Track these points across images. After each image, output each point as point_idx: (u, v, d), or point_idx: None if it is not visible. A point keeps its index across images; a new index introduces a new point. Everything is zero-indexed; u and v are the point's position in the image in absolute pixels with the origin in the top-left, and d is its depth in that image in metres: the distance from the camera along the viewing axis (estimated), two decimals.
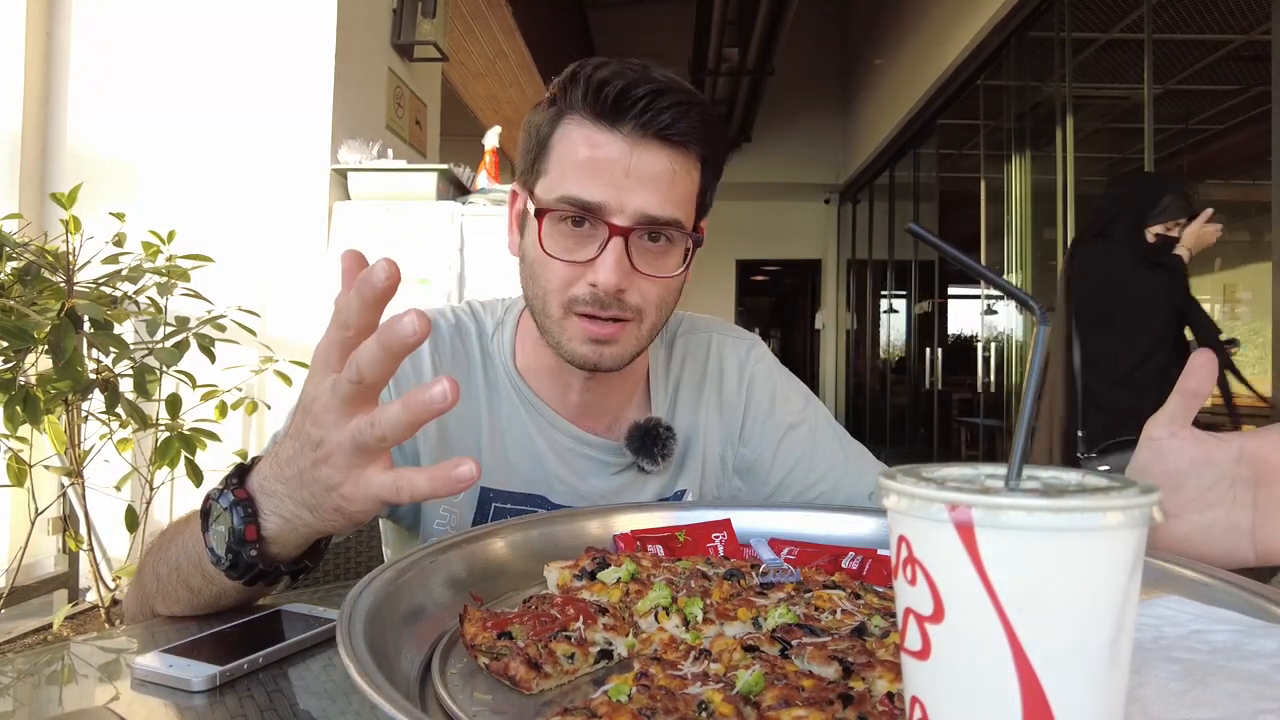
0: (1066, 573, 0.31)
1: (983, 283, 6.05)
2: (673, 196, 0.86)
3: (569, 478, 0.97)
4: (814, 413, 1.09)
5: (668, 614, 0.59)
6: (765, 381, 1.08)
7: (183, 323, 2.35)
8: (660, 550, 0.76)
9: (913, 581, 0.33)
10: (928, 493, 0.32)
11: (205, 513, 0.64)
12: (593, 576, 0.65)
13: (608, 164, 0.83)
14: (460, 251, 2.99)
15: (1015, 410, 5.22)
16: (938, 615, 0.33)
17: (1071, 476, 0.36)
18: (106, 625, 2.39)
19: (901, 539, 0.34)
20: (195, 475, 2.25)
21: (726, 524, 0.80)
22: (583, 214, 0.84)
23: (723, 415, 1.06)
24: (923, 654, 0.33)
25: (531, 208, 0.89)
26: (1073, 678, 0.31)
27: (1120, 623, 0.31)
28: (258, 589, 0.66)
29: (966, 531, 0.31)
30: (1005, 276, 5.43)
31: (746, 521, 0.81)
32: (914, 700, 0.35)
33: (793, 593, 0.63)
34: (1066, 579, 0.31)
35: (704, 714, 0.44)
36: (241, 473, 0.64)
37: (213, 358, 2.36)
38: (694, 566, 0.68)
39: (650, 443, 0.97)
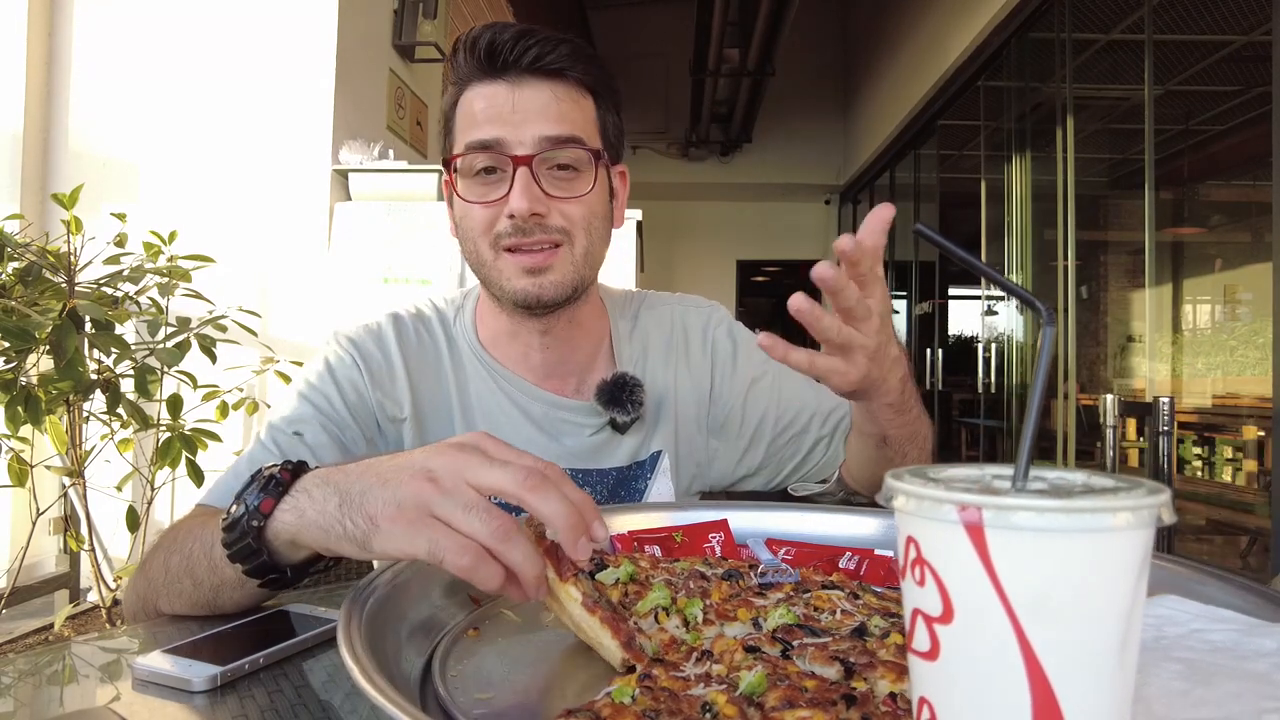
0: (1077, 574, 0.31)
1: (984, 283, 6.05)
2: (566, 119, 0.92)
3: (543, 441, 1.01)
4: (776, 363, 1.13)
5: (668, 615, 0.59)
6: (726, 341, 1.13)
7: (184, 323, 2.35)
8: (658, 551, 0.76)
9: (921, 582, 0.33)
10: (937, 494, 0.32)
11: (251, 479, 0.64)
12: (591, 577, 0.65)
13: (496, 106, 0.91)
14: (460, 252, 2.99)
15: (1016, 411, 5.22)
16: (947, 616, 0.32)
17: (1077, 477, 0.36)
18: (108, 625, 2.39)
19: (910, 540, 0.34)
20: (196, 475, 2.25)
21: (723, 524, 0.80)
22: (485, 154, 0.90)
23: (692, 378, 1.10)
24: (931, 655, 0.33)
25: (443, 170, 0.96)
26: (1082, 678, 0.31)
27: (1129, 623, 0.31)
28: (246, 587, 0.65)
29: (976, 533, 0.31)
30: (1005, 277, 5.43)
31: (743, 522, 0.82)
32: (922, 701, 0.35)
33: (791, 593, 0.63)
34: (1077, 580, 0.31)
35: (708, 715, 0.44)
36: (300, 467, 0.64)
37: (214, 358, 2.36)
38: (692, 567, 0.69)
39: (619, 392, 1.01)
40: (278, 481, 0.62)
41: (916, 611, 0.34)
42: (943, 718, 0.34)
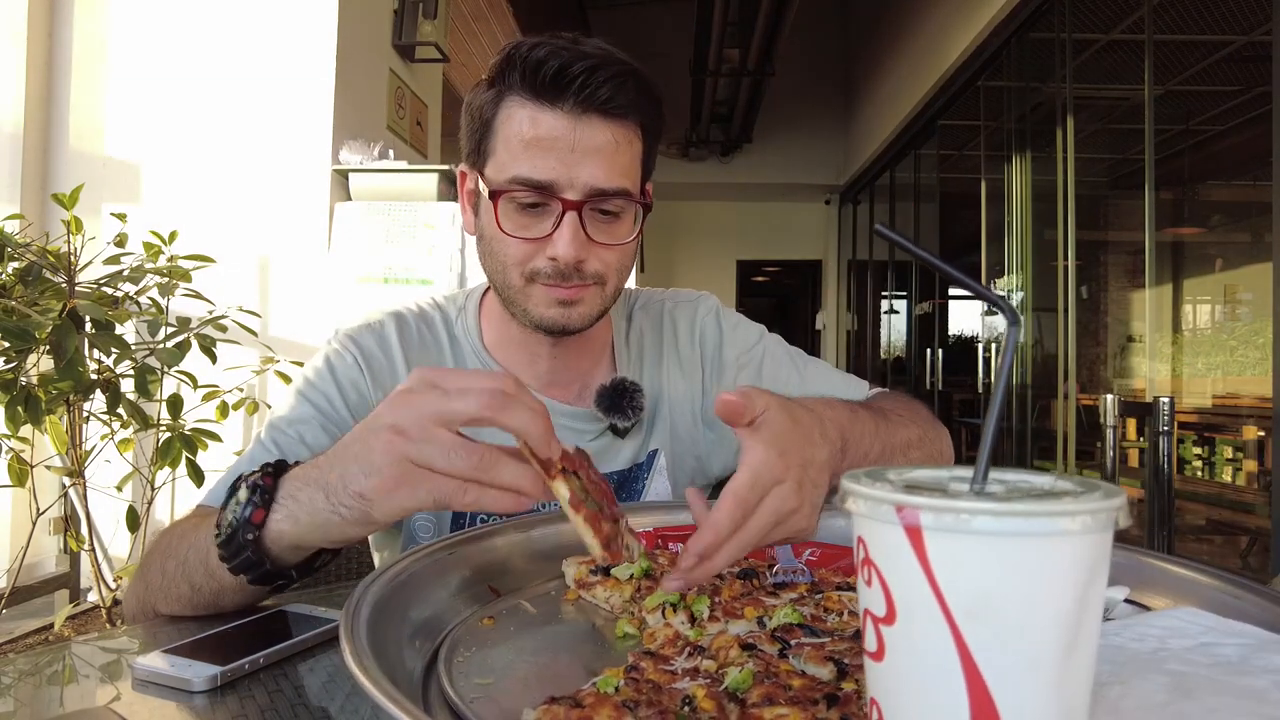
0: (1014, 578, 0.30)
1: (983, 282, 6.04)
2: (618, 167, 0.88)
3: None
4: (761, 349, 1.12)
5: (675, 610, 0.60)
6: (713, 332, 1.12)
7: (184, 323, 2.35)
8: (681, 549, 0.76)
9: (869, 583, 0.34)
10: (879, 494, 0.32)
11: (232, 490, 0.64)
12: (606, 572, 0.67)
13: (552, 141, 0.85)
14: (461, 251, 2.99)
15: (1016, 411, 5.22)
16: (890, 617, 0.33)
17: (1043, 480, 0.35)
18: (108, 625, 2.39)
19: (860, 540, 0.34)
20: (196, 476, 2.25)
21: None
22: (535, 193, 0.87)
23: (684, 373, 1.09)
24: (878, 655, 0.34)
25: (484, 189, 0.91)
26: (1022, 683, 0.31)
27: (1076, 628, 0.31)
28: (248, 590, 0.66)
29: (915, 534, 0.31)
30: (1006, 277, 5.43)
31: None
32: (873, 701, 0.35)
33: (805, 593, 0.64)
34: (1014, 584, 0.30)
35: (686, 708, 0.44)
36: (280, 467, 0.65)
37: (214, 358, 2.36)
38: None
39: (619, 398, 1.00)
40: (262, 490, 0.62)
41: (866, 612, 0.34)
42: (889, 718, 0.34)
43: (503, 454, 0.55)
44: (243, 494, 0.62)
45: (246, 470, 0.85)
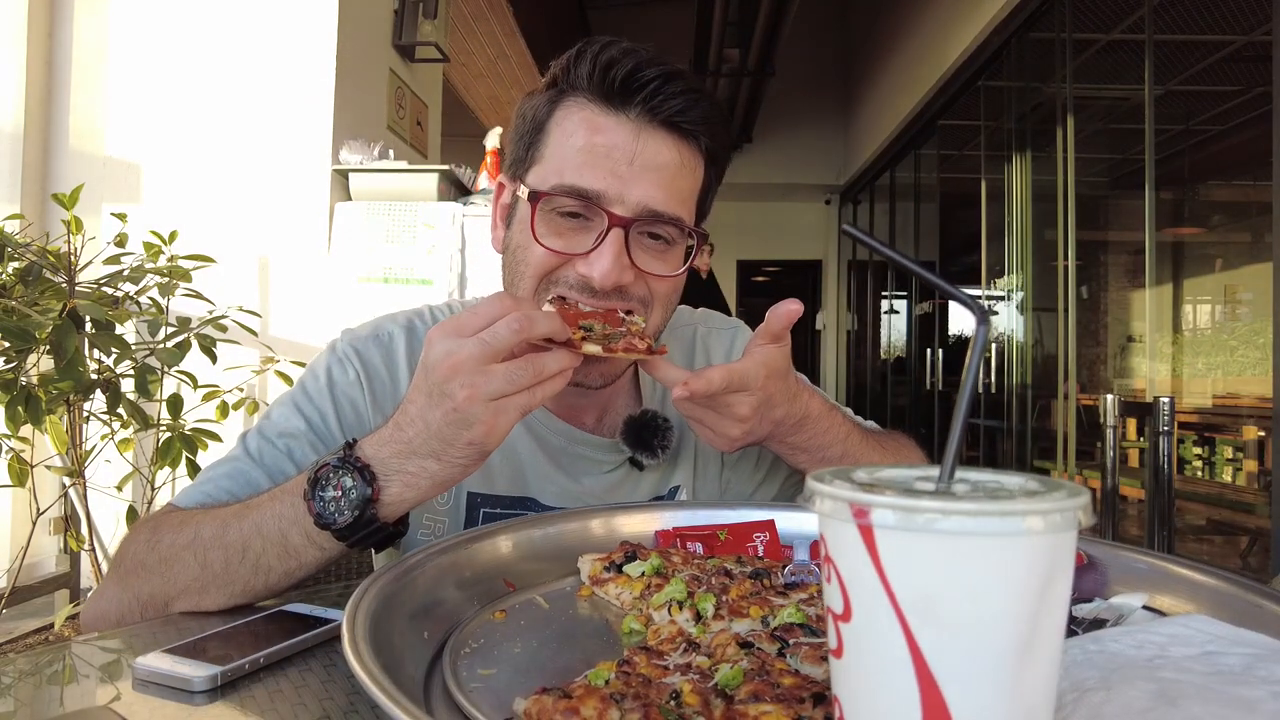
0: (963, 577, 0.30)
1: (983, 282, 6.04)
2: (677, 191, 0.82)
3: (560, 478, 0.94)
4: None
5: (680, 608, 0.60)
6: None
7: (184, 323, 2.35)
8: (700, 548, 0.76)
9: (829, 580, 0.34)
10: (835, 492, 0.32)
11: (315, 481, 0.67)
12: (619, 569, 0.68)
13: (610, 150, 0.79)
14: (461, 251, 2.99)
15: (1016, 411, 5.22)
16: (847, 615, 0.33)
17: (1013, 480, 0.35)
18: None
19: (822, 537, 0.35)
20: (196, 475, 2.25)
21: (770, 525, 0.79)
22: (580, 204, 0.80)
23: None
24: (838, 653, 0.34)
25: (524, 193, 0.83)
26: (974, 682, 0.31)
27: (1032, 628, 0.31)
28: (323, 563, 0.70)
29: (867, 533, 0.31)
30: (1006, 277, 5.43)
31: (791, 523, 0.81)
32: (834, 698, 0.35)
33: (815, 594, 0.64)
34: (963, 583, 0.30)
35: (672, 701, 0.45)
36: (349, 448, 0.68)
37: (214, 358, 2.36)
38: (721, 564, 0.69)
39: (649, 435, 0.94)
40: (360, 468, 0.66)
41: (828, 609, 0.34)
42: (848, 715, 0.34)
43: (538, 354, 0.65)
44: (348, 480, 0.66)
45: (225, 478, 0.84)
